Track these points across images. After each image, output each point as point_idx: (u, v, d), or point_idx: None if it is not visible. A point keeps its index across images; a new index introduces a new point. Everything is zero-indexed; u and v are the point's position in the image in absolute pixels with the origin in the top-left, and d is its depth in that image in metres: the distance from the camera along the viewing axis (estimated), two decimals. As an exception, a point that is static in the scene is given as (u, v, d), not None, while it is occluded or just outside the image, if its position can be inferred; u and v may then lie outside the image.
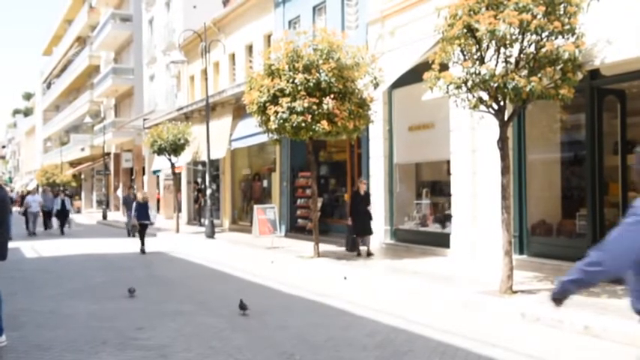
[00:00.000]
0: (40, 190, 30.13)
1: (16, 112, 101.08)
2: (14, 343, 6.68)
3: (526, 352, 6.10)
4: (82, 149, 45.32)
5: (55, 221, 23.90)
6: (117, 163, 40.99)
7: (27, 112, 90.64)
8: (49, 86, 64.21)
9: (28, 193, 37.23)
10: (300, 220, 18.82)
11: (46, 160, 58.95)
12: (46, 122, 63.76)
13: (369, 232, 13.40)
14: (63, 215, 23.65)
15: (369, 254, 13.18)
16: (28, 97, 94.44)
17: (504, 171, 8.68)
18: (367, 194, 13.63)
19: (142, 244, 16.18)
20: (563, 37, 7.95)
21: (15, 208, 27.41)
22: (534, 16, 7.72)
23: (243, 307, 8.14)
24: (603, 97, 10.03)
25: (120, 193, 39.43)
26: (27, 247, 17.65)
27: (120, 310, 8.64)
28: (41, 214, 24.35)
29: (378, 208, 14.56)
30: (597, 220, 9.97)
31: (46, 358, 6.24)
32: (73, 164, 51.77)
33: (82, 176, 51.65)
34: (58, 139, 57.18)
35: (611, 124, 10.12)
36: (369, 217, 13.41)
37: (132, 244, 18.20)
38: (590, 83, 9.66)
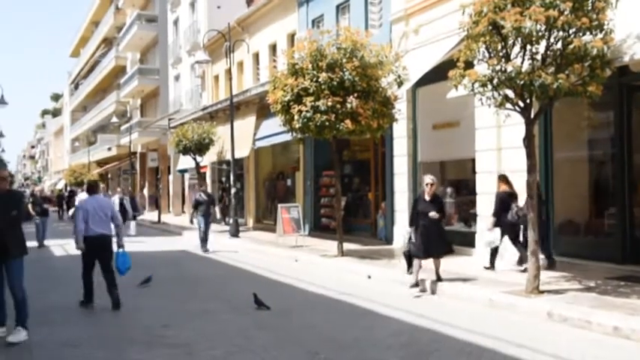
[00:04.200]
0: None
1: (44, 112, 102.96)
2: (44, 340, 6.81)
3: (553, 352, 6.02)
4: (109, 149, 45.96)
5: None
6: (143, 162, 41.46)
7: (55, 113, 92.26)
8: (76, 87, 65.24)
9: (71, 192, 34.24)
10: (323, 219, 18.84)
11: (73, 160, 59.93)
12: (74, 122, 64.79)
13: (441, 252, 9.53)
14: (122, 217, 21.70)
15: (438, 279, 9.54)
16: (56, 98, 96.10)
17: (530, 169, 8.57)
18: (437, 199, 9.65)
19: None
20: (591, 34, 7.81)
21: (51, 208, 25.58)
22: (561, 13, 7.61)
23: (258, 302, 8.23)
24: (632, 94, 9.85)
25: (146, 192, 39.97)
26: (56, 246, 17.95)
27: (146, 307, 8.74)
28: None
29: (402, 207, 14.50)
30: (627, 219, 9.80)
31: (75, 355, 6.35)
32: (100, 164, 52.54)
33: (109, 175, 52.39)
34: (86, 139, 58.10)
35: (640, 122, 9.94)
36: (438, 231, 9.47)
37: (156, 243, 18.42)
38: (618, 80, 9.50)
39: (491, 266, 10.53)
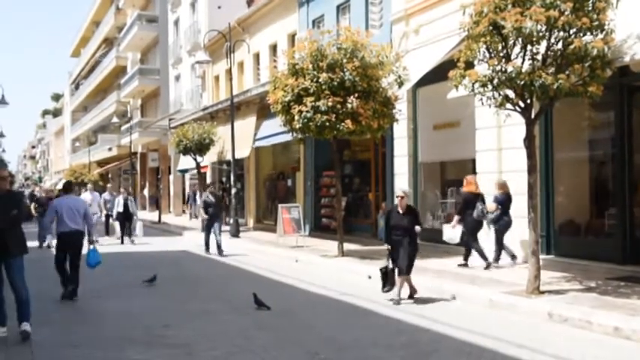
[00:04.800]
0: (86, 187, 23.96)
1: (45, 112, 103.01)
2: (44, 340, 6.82)
3: (553, 353, 6.02)
4: (110, 149, 45.98)
5: (116, 227, 19.39)
6: (143, 162, 41.48)
7: (56, 113, 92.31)
8: (77, 87, 65.29)
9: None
10: (324, 220, 18.84)
11: (74, 160, 59.99)
12: (75, 123, 64.84)
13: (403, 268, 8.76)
14: (127, 219, 18.89)
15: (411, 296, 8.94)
16: (57, 98, 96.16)
17: (531, 170, 8.57)
18: (411, 211, 8.98)
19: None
20: (591, 34, 7.81)
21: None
22: (562, 13, 7.60)
23: (258, 302, 8.27)
24: (633, 95, 9.85)
25: (146, 192, 39.98)
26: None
27: (147, 308, 8.75)
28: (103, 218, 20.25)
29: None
30: (627, 219, 9.80)
31: (75, 354, 6.35)
32: (100, 164, 52.58)
33: (110, 175, 52.41)
34: (86, 139, 58.15)
35: (640, 122, 9.93)
36: (409, 246, 8.73)
37: (160, 244, 18.42)
38: (619, 80, 9.49)
39: (465, 264, 11.05)
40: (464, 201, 11.17)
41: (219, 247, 15.06)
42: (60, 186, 54.83)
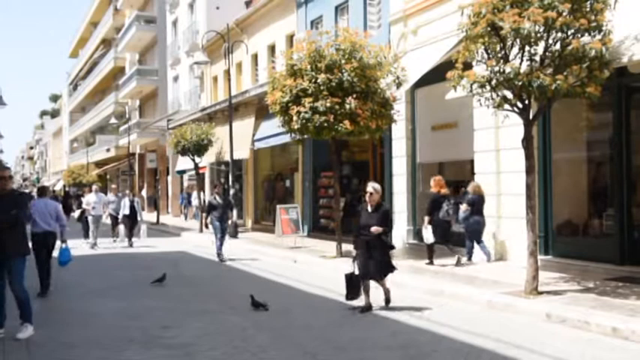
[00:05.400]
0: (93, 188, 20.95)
1: (43, 113, 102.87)
2: (42, 341, 6.81)
3: (552, 353, 6.02)
4: (108, 150, 45.93)
5: (121, 229, 18.59)
6: (141, 163, 41.45)
7: (54, 114, 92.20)
8: (75, 88, 65.23)
9: (67, 193, 32.34)
10: (322, 220, 18.83)
11: (72, 161, 59.91)
12: (73, 123, 64.76)
13: (383, 273, 8.33)
14: (132, 222, 18.17)
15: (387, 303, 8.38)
16: (55, 98, 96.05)
17: (529, 170, 8.58)
18: (380, 209, 8.33)
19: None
20: (589, 35, 7.83)
21: None
22: (560, 14, 7.61)
23: (255, 304, 8.27)
24: (631, 95, 9.86)
25: (144, 192, 39.95)
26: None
27: (146, 308, 8.74)
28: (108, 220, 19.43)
29: (401, 208, 14.50)
30: (625, 219, 9.81)
31: (73, 355, 6.34)
32: (98, 165, 52.52)
33: (108, 176, 52.37)
34: (84, 139, 58.09)
35: (638, 123, 9.94)
36: (381, 247, 8.27)
37: (157, 244, 18.39)
38: (617, 81, 9.49)
39: (430, 262, 11.56)
40: (431, 201, 11.69)
41: (219, 252, 14.11)
42: (58, 187, 54.86)
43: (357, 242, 8.28)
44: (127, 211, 17.95)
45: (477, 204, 11.43)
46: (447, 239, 11.61)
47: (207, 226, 14.91)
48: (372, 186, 8.38)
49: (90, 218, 17.73)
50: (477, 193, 11.50)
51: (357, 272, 8.09)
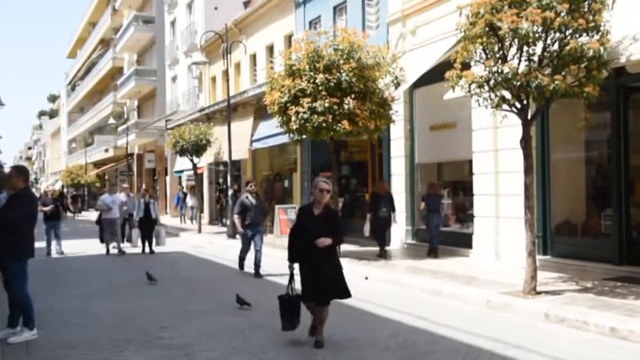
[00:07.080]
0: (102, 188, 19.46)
1: (41, 113, 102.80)
2: (41, 342, 6.80)
3: (550, 353, 6.03)
4: (106, 150, 45.90)
5: (135, 233, 16.85)
6: (140, 163, 41.43)
7: (52, 114, 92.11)
8: (73, 88, 65.19)
9: (61, 194, 31.21)
10: (321, 220, 18.79)
11: (70, 161, 59.84)
12: (71, 124, 64.74)
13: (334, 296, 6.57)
14: (149, 226, 16.37)
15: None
16: (53, 99, 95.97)
17: (527, 170, 8.59)
18: (329, 213, 6.59)
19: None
20: (587, 35, 7.84)
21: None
22: (558, 14, 7.63)
23: (240, 301, 8.39)
24: (629, 95, 9.87)
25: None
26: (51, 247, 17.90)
27: (144, 309, 8.73)
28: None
29: (399, 208, 14.51)
30: (623, 220, 9.82)
31: (71, 356, 6.33)
32: (97, 165, 52.50)
33: (106, 177, 52.34)
34: (83, 140, 58.04)
35: (636, 123, 9.96)
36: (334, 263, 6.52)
37: (154, 244, 18.35)
38: (615, 81, 9.51)
39: (381, 254, 13.07)
40: (372, 199, 13.35)
41: (257, 265, 11.68)
42: (57, 187, 54.76)
43: (298, 255, 6.38)
44: (142, 214, 16.18)
45: (432, 202, 12.76)
46: (382, 234, 13.20)
47: (235, 235, 12.46)
48: (324, 181, 6.47)
49: (104, 222, 16.23)
50: (430, 192, 12.94)
51: (294, 293, 6.39)
